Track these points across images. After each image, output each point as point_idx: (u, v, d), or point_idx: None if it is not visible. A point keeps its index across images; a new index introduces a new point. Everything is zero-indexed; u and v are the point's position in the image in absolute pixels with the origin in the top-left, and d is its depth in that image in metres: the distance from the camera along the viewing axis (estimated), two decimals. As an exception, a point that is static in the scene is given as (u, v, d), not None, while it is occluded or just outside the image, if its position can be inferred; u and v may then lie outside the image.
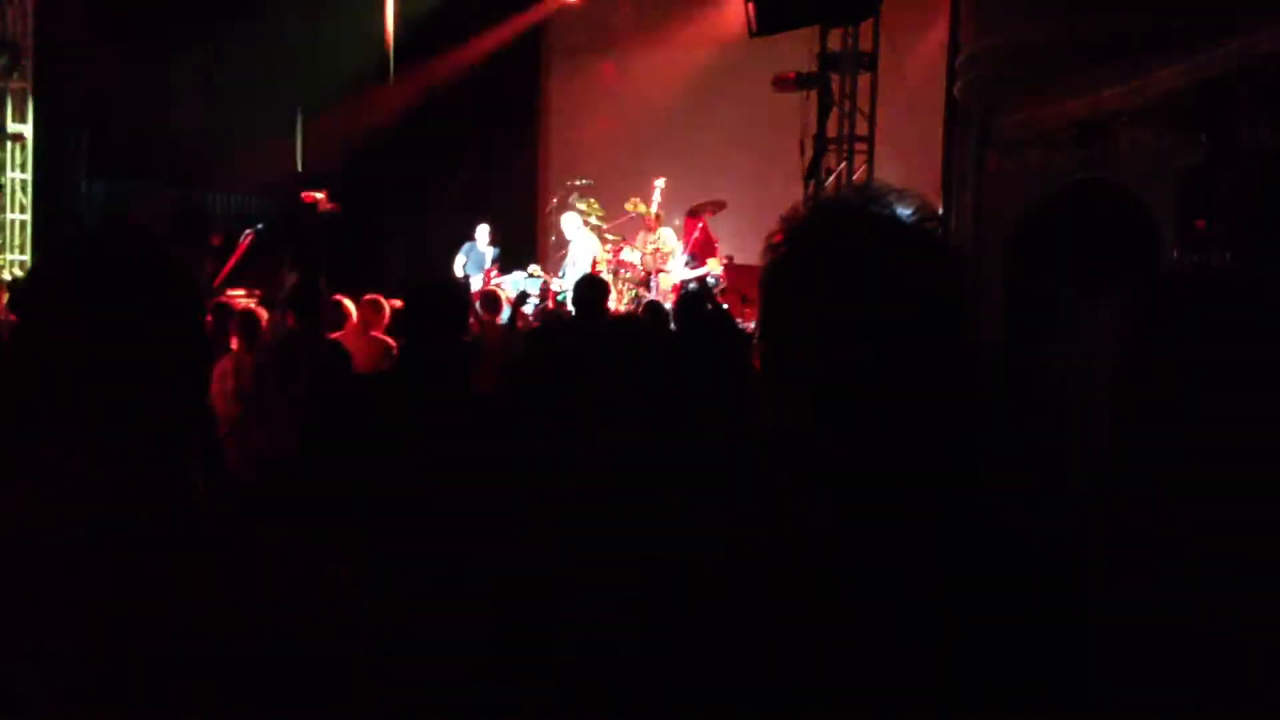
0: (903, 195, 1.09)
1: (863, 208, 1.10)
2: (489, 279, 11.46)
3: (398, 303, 6.32)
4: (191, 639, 1.05)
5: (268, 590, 1.10)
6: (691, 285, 10.81)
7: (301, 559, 1.13)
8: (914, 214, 1.08)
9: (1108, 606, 0.96)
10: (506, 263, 12.10)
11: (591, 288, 6.29)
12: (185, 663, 1.04)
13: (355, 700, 1.11)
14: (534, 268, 11.88)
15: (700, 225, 11.37)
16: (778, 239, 1.10)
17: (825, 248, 1.09)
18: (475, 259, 12.10)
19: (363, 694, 1.12)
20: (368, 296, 6.56)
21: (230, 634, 1.06)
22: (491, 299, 9.80)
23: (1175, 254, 5.21)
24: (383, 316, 6.45)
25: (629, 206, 11.94)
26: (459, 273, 11.79)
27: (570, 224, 11.92)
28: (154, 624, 1.04)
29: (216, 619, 1.06)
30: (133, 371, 1.10)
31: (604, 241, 11.90)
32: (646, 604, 1.12)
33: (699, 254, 11.22)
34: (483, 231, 12.20)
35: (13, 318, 1.16)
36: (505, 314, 8.54)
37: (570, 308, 6.79)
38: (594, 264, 11.26)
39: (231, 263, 9.77)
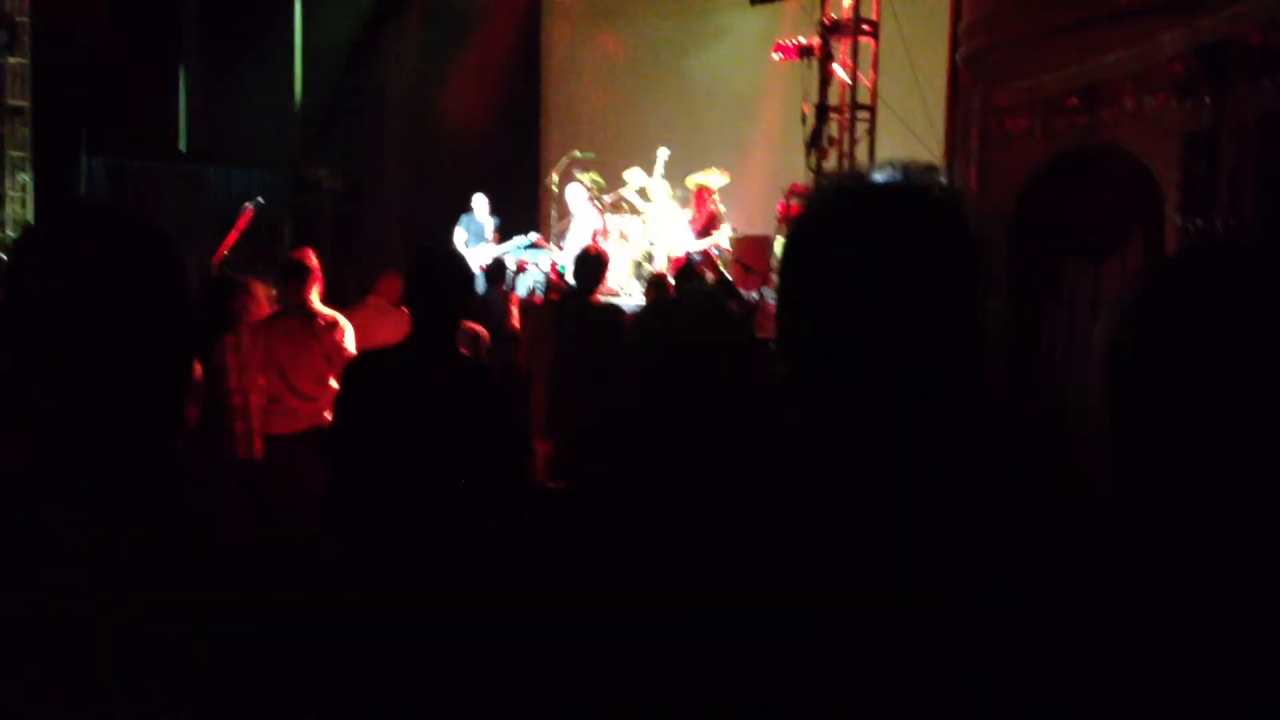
0: (929, 170, 1.11)
1: (881, 183, 1.11)
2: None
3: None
4: (178, 611, 1.04)
5: (255, 564, 1.09)
6: (695, 257, 10.77)
7: (294, 535, 1.13)
8: (931, 188, 1.10)
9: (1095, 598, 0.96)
10: (506, 233, 12.03)
11: (590, 261, 6.29)
12: (173, 635, 1.03)
13: (351, 680, 1.11)
14: (534, 234, 11.84)
15: (706, 196, 11.30)
16: (796, 210, 1.12)
17: (846, 221, 1.10)
18: (475, 230, 12.02)
19: (358, 674, 1.12)
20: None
21: (217, 608, 1.05)
22: (496, 269, 9.76)
23: (1178, 219, 5.18)
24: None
25: (626, 176, 11.87)
26: (460, 245, 11.72)
27: (575, 197, 11.83)
28: (138, 590, 1.04)
29: (202, 592, 1.05)
30: (114, 344, 1.10)
31: (604, 213, 11.82)
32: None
33: (705, 225, 11.17)
34: (480, 202, 12.10)
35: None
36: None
37: (570, 280, 6.79)
38: (595, 236, 11.20)
39: (232, 237, 9.72)
